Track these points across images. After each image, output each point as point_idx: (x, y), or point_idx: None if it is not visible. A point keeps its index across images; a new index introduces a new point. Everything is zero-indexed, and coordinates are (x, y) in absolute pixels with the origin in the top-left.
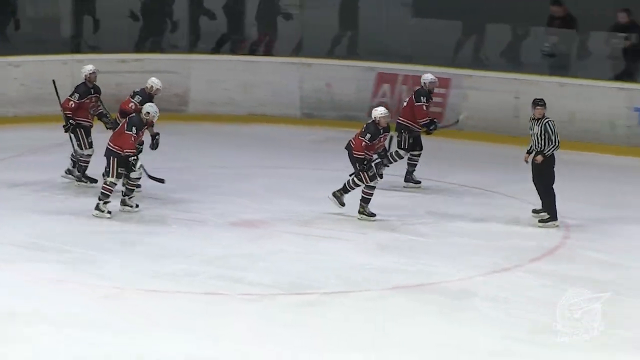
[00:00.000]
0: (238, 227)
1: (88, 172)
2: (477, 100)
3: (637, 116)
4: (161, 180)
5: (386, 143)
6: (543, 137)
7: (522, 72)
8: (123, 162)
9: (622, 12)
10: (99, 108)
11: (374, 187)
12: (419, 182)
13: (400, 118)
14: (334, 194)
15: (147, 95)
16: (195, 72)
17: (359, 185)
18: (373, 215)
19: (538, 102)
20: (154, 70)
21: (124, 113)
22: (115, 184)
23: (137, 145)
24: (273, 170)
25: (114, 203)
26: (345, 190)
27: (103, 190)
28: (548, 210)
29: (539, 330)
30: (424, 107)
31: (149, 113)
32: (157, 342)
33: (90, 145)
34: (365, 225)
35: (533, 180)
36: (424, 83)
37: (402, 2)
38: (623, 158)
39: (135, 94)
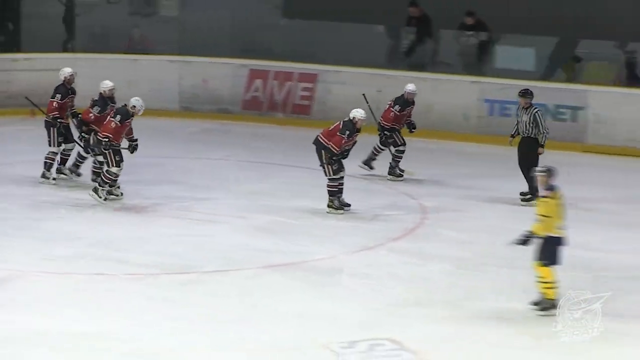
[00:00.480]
0: (122, 212)
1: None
2: (342, 94)
3: (487, 107)
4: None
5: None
6: (531, 125)
7: (383, 68)
8: (117, 151)
9: (469, 17)
10: (73, 108)
11: (337, 180)
12: (401, 175)
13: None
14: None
15: (104, 100)
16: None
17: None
18: (342, 208)
19: (522, 93)
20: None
21: (85, 123)
22: (118, 175)
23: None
24: (155, 159)
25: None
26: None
27: (103, 178)
28: (532, 191)
29: (400, 303)
30: (392, 114)
31: (134, 107)
32: (48, 321)
33: (60, 144)
34: (243, 209)
35: (519, 164)
36: (406, 92)
37: (273, 4)
38: (475, 145)
39: (94, 103)
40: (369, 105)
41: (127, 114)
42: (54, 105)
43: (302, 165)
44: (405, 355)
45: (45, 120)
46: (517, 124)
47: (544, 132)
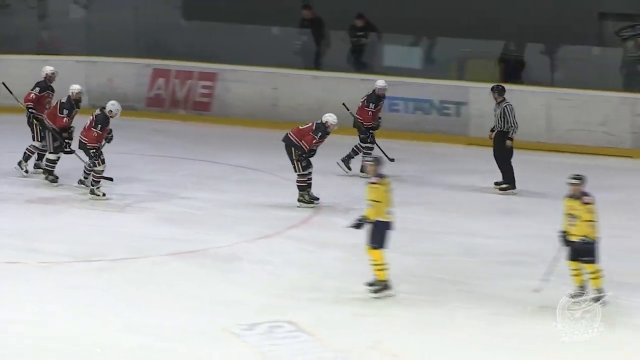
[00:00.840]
0: (35, 204)
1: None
2: (240, 92)
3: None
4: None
5: None
6: (502, 119)
7: (279, 66)
8: (101, 152)
9: (359, 19)
10: (51, 105)
11: (306, 175)
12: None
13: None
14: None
15: (71, 103)
16: None
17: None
18: (311, 202)
19: (493, 88)
20: None
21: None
22: (103, 170)
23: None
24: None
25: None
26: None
27: (94, 178)
28: (507, 181)
29: (297, 288)
30: (370, 113)
31: (111, 111)
32: None
33: (43, 139)
34: (150, 200)
35: (494, 156)
36: (377, 89)
37: (174, 6)
38: None
39: (62, 106)
40: (350, 112)
41: (106, 120)
42: (31, 96)
43: (203, 159)
44: (302, 337)
45: (27, 116)
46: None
47: (512, 126)
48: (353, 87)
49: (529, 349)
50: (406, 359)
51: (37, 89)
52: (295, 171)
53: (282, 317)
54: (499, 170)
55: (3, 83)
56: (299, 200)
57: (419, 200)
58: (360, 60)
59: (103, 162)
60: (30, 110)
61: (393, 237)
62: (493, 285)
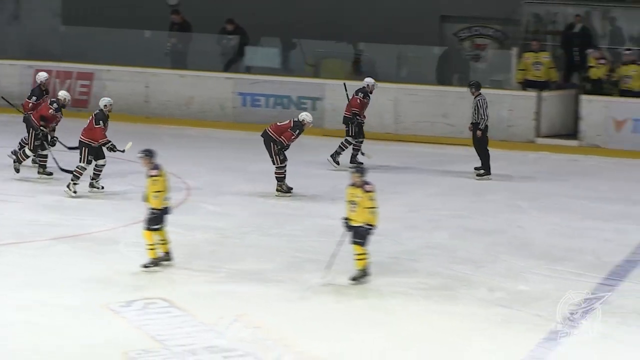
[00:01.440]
0: None
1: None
2: (115, 89)
3: (241, 99)
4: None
5: None
6: (476, 112)
7: (150, 66)
8: (93, 151)
9: (229, 23)
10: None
11: (283, 168)
12: (362, 163)
13: (346, 112)
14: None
15: (104, 114)
16: None
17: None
18: (289, 191)
19: (469, 84)
20: None
21: (44, 119)
22: (85, 169)
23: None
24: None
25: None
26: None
27: (75, 173)
28: (484, 167)
29: (169, 266)
30: (358, 100)
31: (106, 106)
32: None
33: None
34: (32, 190)
35: (473, 144)
36: (366, 85)
37: (53, 13)
38: (231, 132)
39: (97, 119)
40: (347, 94)
41: (105, 117)
42: (29, 105)
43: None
44: (175, 312)
45: (24, 118)
46: None
47: (482, 118)
48: (217, 84)
49: (372, 317)
50: (267, 329)
51: (34, 98)
52: (274, 164)
53: (156, 294)
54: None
55: (2, 97)
56: (277, 190)
57: (312, 188)
58: (229, 60)
59: (104, 157)
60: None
61: (261, 221)
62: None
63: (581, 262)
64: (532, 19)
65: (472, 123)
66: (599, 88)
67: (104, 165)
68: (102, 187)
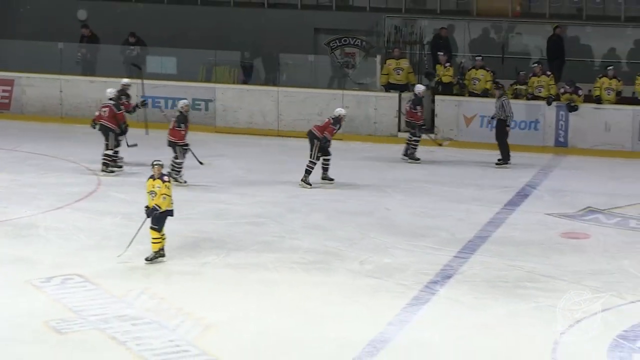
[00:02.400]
0: None
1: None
2: (33, 94)
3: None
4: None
5: None
6: (502, 110)
7: (64, 73)
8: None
9: (131, 36)
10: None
11: (314, 163)
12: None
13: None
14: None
15: (185, 116)
16: None
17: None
18: (309, 185)
19: (495, 86)
20: None
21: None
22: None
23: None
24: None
25: None
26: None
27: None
28: (504, 157)
29: (84, 248)
30: (418, 113)
31: (182, 107)
32: None
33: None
34: None
35: (495, 138)
36: (417, 92)
37: None
38: (136, 129)
39: (178, 121)
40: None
41: (185, 119)
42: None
43: (3, 147)
44: (89, 286)
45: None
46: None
47: (509, 115)
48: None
49: (266, 290)
50: (169, 300)
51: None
52: (310, 157)
53: (72, 271)
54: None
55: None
56: (302, 180)
57: (187, 179)
58: (131, 68)
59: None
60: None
61: None
62: (238, 241)
63: (438, 238)
64: (393, 30)
65: (497, 119)
66: (449, 89)
67: (182, 162)
68: (185, 182)
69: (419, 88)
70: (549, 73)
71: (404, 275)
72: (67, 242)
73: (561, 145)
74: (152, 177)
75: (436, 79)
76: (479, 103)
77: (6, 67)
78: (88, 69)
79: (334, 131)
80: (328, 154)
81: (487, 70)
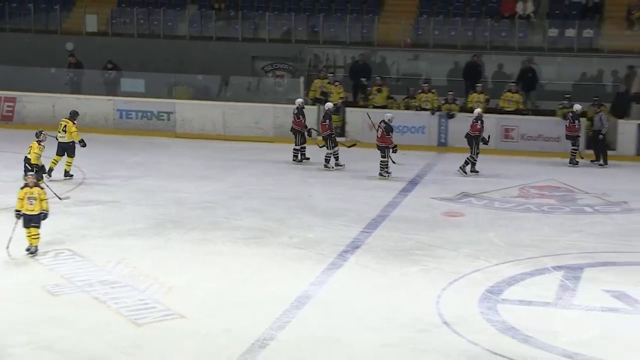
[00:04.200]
0: None
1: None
2: (32, 108)
3: (119, 114)
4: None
5: None
6: (601, 123)
7: (56, 92)
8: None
9: (109, 63)
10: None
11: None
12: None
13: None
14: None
15: (329, 114)
16: None
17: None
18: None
19: (593, 103)
20: None
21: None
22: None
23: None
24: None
25: None
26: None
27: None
28: (604, 161)
29: (75, 227)
30: (479, 126)
31: (300, 104)
32: None
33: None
34: None
35: (594, 145)
36: (477, 113)
37: None
38: (112, 136)
39: (324, 117)
40: (371, 121)
41: (328, 114)
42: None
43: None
44: (77, 258)
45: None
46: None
47: (605, 127)
48: (102, 104)
49: (215, 260)
50: (141, 268)
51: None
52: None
53: (63, 247)
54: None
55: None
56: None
57: (154, 174)
58: (111, 87)
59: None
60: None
61: (135, 195)
62: (194, 222)
63: (349, 218)
64: (313, 57)
65: (595, 131)
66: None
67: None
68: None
69: (329, 105)
70: (433, 90)
71: (323, 246)
72: (60, 224)
73: (442, 145)
74: (27, 185)
75: (328, 98)
76: (379, 113)
77: (10, 87)
78: (75, 88)
79: (328, 125)
80: (335, 144)
81: (385, 87)
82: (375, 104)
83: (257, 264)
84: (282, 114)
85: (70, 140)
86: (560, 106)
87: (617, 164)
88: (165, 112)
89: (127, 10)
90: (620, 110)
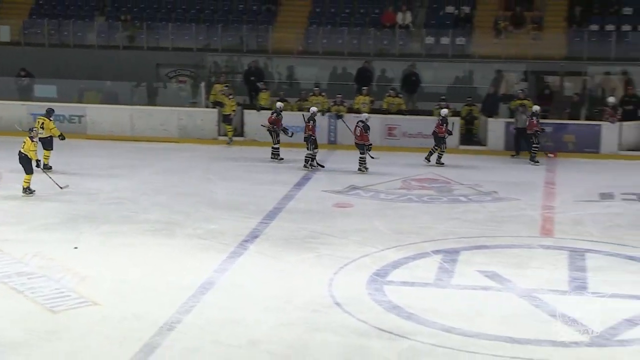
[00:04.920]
0: None
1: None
2: None
3: (33, 117)
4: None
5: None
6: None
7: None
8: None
9: (21, 71)
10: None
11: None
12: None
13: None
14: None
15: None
16: None
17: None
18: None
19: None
20: None
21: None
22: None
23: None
24: None
25: None
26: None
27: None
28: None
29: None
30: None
31: (314, 112)
32: None
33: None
34: None
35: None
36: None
37: None
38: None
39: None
40: (347, 125)
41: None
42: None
43: None
44: None
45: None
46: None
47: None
48: (16, 109)
49: (126, 250)
50: (56, 260)
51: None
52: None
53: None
54: None
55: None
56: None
57: (67, 172)
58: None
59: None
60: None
61: (50, 191)
62: (105, 216)
63: (249, 210)
64: (213, 64)
65: (518, 128)
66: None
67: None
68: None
69: (313, 109)
70: (323, 93)
71: (225, 237)
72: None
73: (332, 143)
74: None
75: (222, 108)
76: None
77: None
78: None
79: (311, 127)
80: (316, 146)
81: (267, 90)
82: (262, 105)
83: (164, 254)
84: (185, 116)
85: (48, 135)
86: (437, 107)
87: (488, 158)
88: (77, 116)
89: (38, 21)
90: (490, 109)
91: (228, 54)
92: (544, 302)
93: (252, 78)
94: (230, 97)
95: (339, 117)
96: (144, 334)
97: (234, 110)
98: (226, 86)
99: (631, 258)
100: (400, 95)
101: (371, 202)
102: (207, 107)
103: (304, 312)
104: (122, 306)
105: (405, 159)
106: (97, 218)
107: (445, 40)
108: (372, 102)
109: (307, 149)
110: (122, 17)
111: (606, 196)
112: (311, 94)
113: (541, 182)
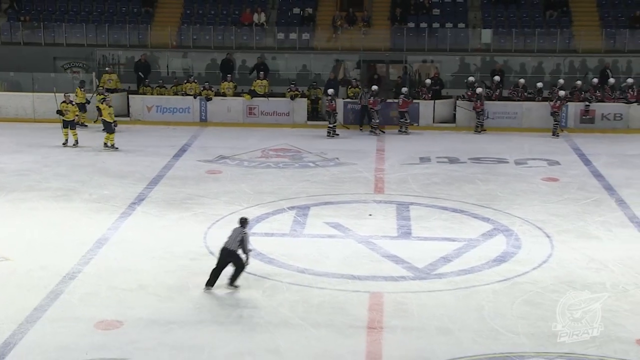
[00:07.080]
0: None
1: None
2: None
3: None
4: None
5: None
6: None
7: None
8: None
9: None
10: None
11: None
12: None
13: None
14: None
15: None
16: None
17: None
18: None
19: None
20: None
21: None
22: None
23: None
24: None
25: None
26: None
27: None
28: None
29: None
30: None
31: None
32: None
33: None
34: None
35: None
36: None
37: None
38: None
39: None
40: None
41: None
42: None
43: None
44: None
45: None
46: None
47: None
48: None
49: (32, 214)
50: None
51: None
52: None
53: None
54: None
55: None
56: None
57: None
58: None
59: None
60: None
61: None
62: (12, 186)
63: (135, 178)
64: (101, 58)
65: (363, 106)
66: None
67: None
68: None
69: (331, 90)
70: (195, 81)
71: (116, 200)
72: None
73: (203, 121)
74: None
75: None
76: (153, 98)
77: None
78: None
79: (334, 105)
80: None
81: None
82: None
83: (65, 215)
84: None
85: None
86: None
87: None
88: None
89: None
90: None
91: (114, 49)
92: (378, 245)
93: (140, 73)
94: (104, 102)
95: (208, 99)
96: (49, 282)
97: (77, 116)
98: (106, 95)
99: (445, 208)
100: (267, 79)
101: (237, 168)
102: (97, 93)
103: (183, 260)
104: (29, 260)
105: (263, 133)
106: (5, 187)
107: (293, 35)
108: (235, 87)
109: (329, 123)
110: (22, 18)
111: (424, 160)
112: (185, 81)
113: (374, 150)
